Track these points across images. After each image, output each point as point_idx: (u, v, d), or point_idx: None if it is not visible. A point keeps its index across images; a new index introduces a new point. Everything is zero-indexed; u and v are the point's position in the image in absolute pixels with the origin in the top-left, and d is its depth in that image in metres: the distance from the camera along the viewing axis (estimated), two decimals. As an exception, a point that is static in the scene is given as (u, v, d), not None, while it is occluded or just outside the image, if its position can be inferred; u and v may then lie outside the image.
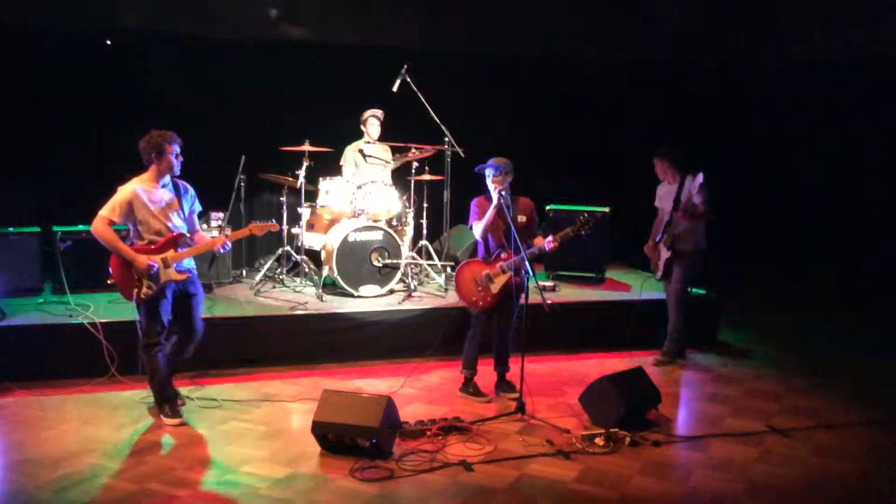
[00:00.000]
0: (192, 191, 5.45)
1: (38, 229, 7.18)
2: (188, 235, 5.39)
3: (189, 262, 5.37)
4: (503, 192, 5.63)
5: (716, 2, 9.81)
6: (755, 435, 5.34)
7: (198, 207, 5.52)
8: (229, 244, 5.48)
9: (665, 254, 6.75)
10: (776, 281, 10.21)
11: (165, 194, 5.25)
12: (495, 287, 5.70)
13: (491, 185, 5.69)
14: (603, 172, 9.75)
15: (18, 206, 7.69)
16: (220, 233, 7.41)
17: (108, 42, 8.48)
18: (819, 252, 10.11)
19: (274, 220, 5.74)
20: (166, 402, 5.34)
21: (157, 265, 5.13)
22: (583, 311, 7.43)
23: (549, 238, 5.65)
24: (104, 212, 5.09)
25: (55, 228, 7.13)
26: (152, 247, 5.18)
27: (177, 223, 5.29)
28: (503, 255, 5.69)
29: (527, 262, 5.58)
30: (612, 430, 5.09)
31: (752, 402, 6.05)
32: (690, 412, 5.91)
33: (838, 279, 10.05)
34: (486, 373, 6.04)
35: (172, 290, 5.27)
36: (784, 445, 5.20)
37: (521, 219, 5.75)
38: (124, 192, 5.13)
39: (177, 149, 5.20)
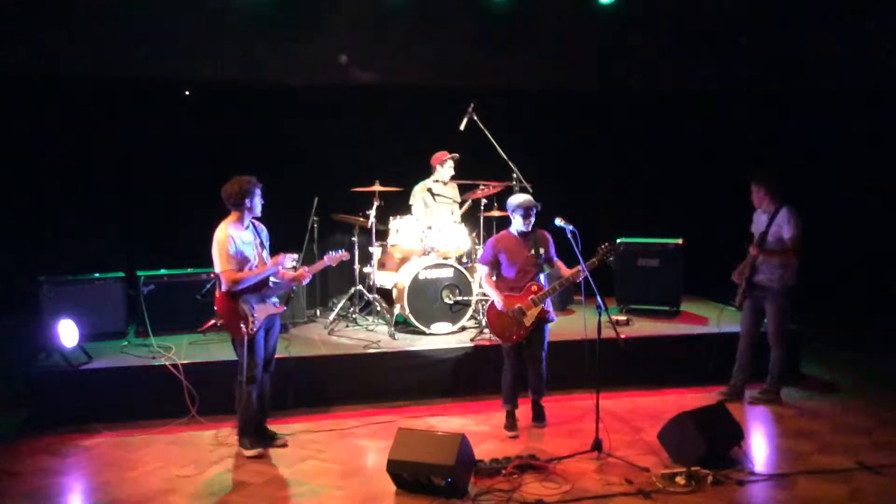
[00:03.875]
0: (265, 230, 5.70)
1: (121, 274, 7.44)
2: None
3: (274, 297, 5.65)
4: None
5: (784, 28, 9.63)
6: (844, 472, 5.13)
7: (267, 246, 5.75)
8: (310, 276, 5.74)
9: (742, 283, 6.54)
10: (861, 311, 9.83)
11: (250, 234, 5.51)
12: (528, 320, 5.85)
13: (522, 225, 5.93)
14: (677, 203, 9.62)
15: (103, 251, 7.99)
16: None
17: (187, 93, 8.84)
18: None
19: (344, 251, 5.99)
20: (249, 435, 5.51)
21: (255, 308, 5.39)
22: (658, 345, 7.30)
23: (576, 268, 5.76)
24: (222, 267, 5.30)
25: (138, 273, 7.38)
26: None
27: (264, 260, 5.55)
28: (534, 288, 5.85)
29: (600, 299, 5.53)
30: (693, 468, 4.96)
31: (839, 437, 5.82)
32: (775, 449, 5.72)
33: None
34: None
35: (265, 325, 5.51)
36: (876, 483, 4.98)
37: (541, 251, 5.95)
38: (223, 238, 5.33)
39: (260, 191, 5.47)
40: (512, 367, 6.03)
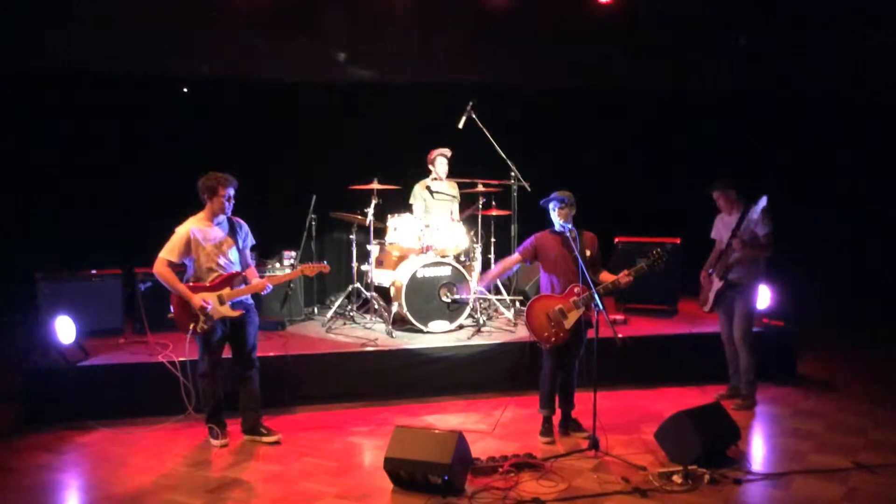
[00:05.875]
0: (246, 227, 5.68)
1: (119, 271, 7.43)
2: (243, 273, 5.61)
3: (245, 297, 5.62)
4: (569, 226, 5.61)
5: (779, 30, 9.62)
6: (840, 472, 5.13)
7: (251, 242, 5.74)
8: (270, 286, 5.67)
9: (716, 285, 6.47)
10: (858, 310, 9.84)
11: (220, 232, 5.49)
12: (568, 322, 5.58)
13: (557, 218, 5.68)
14: (675, 202, 9.62)
15: (101, 248, 7.98)
16: (291, 270, 7.59)
17: (185, 90, 8.84)
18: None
19: (325, 262, 5.97)
20: (216, 426, 5.63)
21: (210, 304, 5.37)
22: (655, 344, 7.30)
23: (624, 272, 5.58)
24: (163, 254, 5.39)
25: (136, 270, 7.36)
26: (208, 284, 5.41)
27: (232, 259, 5.53)
28: (577, 290, 5.57)
29: (598, 297, 5.50)
30: (690, 467, 4.95)
31: (836, 436, 5.82)
32: (772, 448, 5.71)
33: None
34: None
35: (227, 325, 5.52)
36: (871, 483, 4.98)
37: (587, 252, 5.67)
38: (180, 232, 5.40)
39: (230, 192, 5.43)
40: (551, 370, 5.78)
